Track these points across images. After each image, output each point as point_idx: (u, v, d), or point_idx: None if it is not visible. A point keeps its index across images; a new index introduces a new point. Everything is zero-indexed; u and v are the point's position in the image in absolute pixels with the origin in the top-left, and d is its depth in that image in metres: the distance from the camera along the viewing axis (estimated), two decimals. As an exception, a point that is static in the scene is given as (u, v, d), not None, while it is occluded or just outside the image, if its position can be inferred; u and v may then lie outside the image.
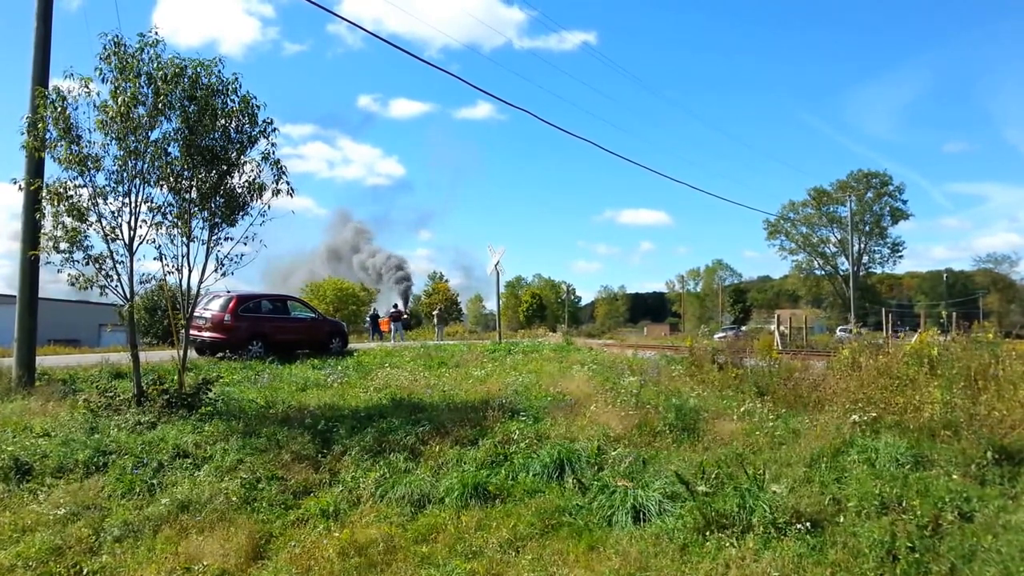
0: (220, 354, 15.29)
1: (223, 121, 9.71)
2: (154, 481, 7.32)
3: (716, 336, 22.43)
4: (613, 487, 6.74)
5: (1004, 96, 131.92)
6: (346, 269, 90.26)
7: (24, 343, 11.29)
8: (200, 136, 9.55)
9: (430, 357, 16.56)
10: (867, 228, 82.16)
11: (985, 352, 8.85)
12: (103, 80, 9.29)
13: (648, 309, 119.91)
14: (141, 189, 9.59)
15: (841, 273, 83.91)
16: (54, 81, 10.49)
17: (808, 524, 5.65)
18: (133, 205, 9.55)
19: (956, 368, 8.57)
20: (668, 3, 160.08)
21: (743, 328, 50.79)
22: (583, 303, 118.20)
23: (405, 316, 44.46)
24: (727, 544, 5.58)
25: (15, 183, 10.09)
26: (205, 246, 10.01)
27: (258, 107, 9.91)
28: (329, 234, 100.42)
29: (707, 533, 5.78)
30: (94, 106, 9.30)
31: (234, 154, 9.94)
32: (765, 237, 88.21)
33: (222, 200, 9.98)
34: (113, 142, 9.33)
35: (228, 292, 16.28)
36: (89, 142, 9.36)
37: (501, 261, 24.89)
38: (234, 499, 6.94)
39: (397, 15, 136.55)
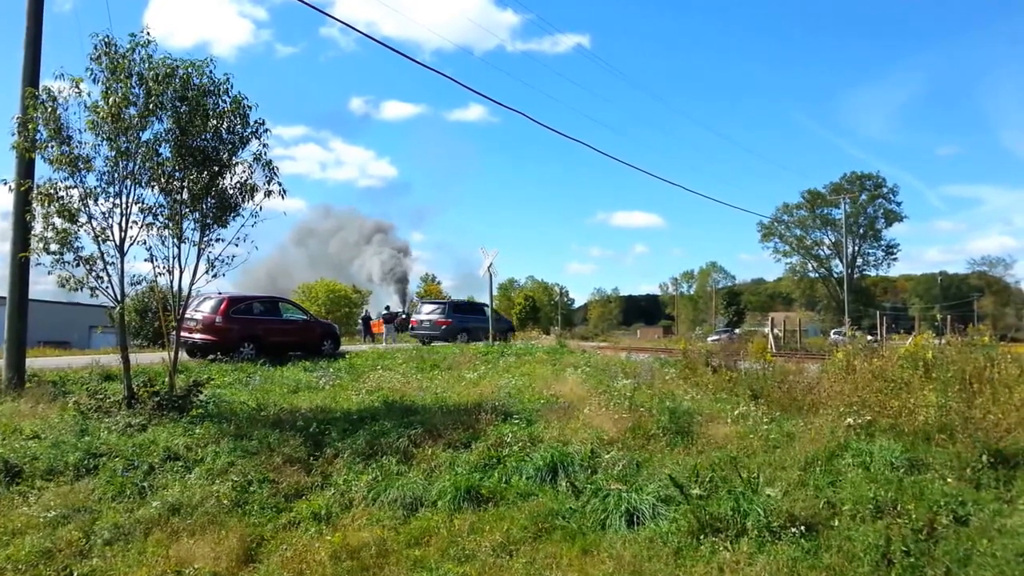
0: (211, 356, 15.18)
1: (214, 122, 9.65)
2: (145, 484, 7.27)
3: (710, 339, 22.41)
4: (607, 490, 6.71)
5: (1000, 98, 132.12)
6: (319, 247, 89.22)
7: (14, 345, 11.17)
8: (191, 137, 9.50)
9: (423, 359, 16.49)
10: (861, 231, 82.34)
11: (980, 355, 8.85)
12: (94, 80, 9.24)
13: (642, 311, 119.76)
14: (132, 190, 9.53)
15: (835, 276, 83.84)
16: (45, 81, 10.39)
17: (803, 528, 5.64)
18: (124, 206, 9.49)
19: (951, 371, 8.56)
20: (662, 5, 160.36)
21: (737, 331, 50.80)
22: (576, 305, 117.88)
23: (404, 315, 44.08)
24: (721, 548, 5.57)
25: (5, 184, 10.02)
26: (196, 247, 9.96)
27: (249, 108, 9.88)
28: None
29: (701, 537, 5.77)
30: (85, 107, 9.25)
31: (225, 155, 9.88)
32: (759, 239, 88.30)
33: (213, 201, 9.92)
34: (104, 143, 9.27)
35: (219, 294, 16.26)
36: (80, 143, 9.31)
37: (494, 263, 24.84)
38: (225, 502, 6.90)
39: (390, 19, 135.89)
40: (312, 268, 78.32)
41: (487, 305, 25.53)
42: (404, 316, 44.85)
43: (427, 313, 26.02)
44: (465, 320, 25.96)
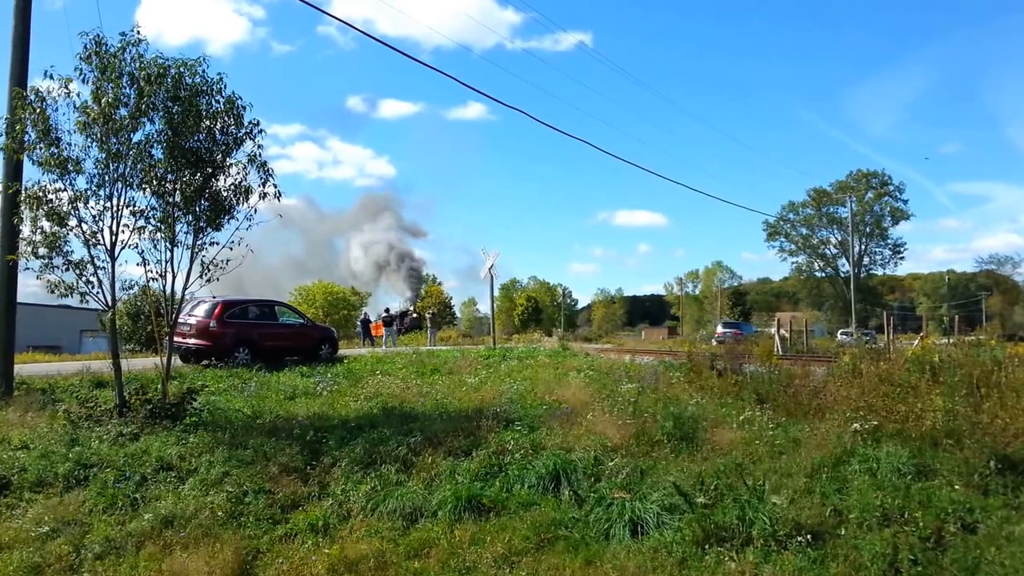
0: (205, 362, 15.06)
1: (208, 122, 9.52)
2: (137, 495, 7.19)
3: (714, 341, 22.67)
4: (610, 499, 6.62)
5: (1007, 94, 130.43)
6: (302, 237, 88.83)
7: (1, 350, 11.03)
8: (184, 138, 9.36)
9: (422, 363, 16.38)
10: (868, 229, 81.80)
11: (988, 358, 8.73)
12: (84, 80, 9.11)
13: (646, 312, 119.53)
14: (123, 192, 9.39)
15: (842, 275, 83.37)
16: (33, 81, 10.29)
17: (809, 537, 5.57)
18: (115, 209, 9.34)
19: (958, 375, 8.45)
20: (665, 2, 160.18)
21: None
22: (579, 306, 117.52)
23: (414, 315, 43.79)
24: (726, 558, 5.52)
25: (-7, 186, 9.90)
26: (189, 251, 9.81)
27: (244, 108, 9.74)
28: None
29: (706, 546, 5.71)
30: (75, 107, 9.11)
31: (219, 156, 9.75)
32: (764, 238, 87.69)
33: (207, 203, 9.78)
34: (94, 144, 9.14)
35: (213, 297, 16.06)
36: (69, 144, 9.16)
37: (495, 265, 24.83)
38: (220, 514, 6.82)
39: (388, 17, 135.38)
40: (292, 263, 78.26)
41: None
42: (415, 316, 44.47)
43: (728, 328, 43.61)
44: (748, 331, 43.63)
